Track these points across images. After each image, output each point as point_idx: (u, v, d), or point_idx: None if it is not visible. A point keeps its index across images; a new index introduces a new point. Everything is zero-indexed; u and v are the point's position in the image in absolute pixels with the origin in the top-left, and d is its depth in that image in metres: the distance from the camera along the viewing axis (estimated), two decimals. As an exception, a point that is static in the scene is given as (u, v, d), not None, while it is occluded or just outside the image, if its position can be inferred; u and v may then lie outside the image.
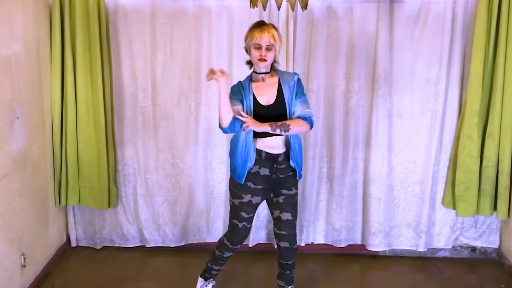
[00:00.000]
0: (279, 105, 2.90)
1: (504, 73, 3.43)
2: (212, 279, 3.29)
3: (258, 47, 2.83)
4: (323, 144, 3.82)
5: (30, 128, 3.33)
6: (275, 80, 2.95)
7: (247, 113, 2.85)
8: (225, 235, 3.14)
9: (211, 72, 2.73)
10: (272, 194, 3.02)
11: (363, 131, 3.78)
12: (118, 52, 3.71)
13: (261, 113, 2.87)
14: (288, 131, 2.84)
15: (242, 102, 2.88)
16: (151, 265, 3.80)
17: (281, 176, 2.98)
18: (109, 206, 3.82)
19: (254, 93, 2.90)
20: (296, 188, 3.06)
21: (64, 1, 3.52)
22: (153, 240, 3.99)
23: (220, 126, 2.84)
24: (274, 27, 2.90)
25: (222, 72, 2.72)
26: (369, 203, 3.85)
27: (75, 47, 3.56)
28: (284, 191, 3.01)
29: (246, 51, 2.93)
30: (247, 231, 3.07)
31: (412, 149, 3.79)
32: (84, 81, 3.60)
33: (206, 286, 3.29)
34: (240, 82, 2.97)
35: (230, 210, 3.06)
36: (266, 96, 2.91)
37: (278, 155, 2.94)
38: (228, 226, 3.11)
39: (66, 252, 3.94)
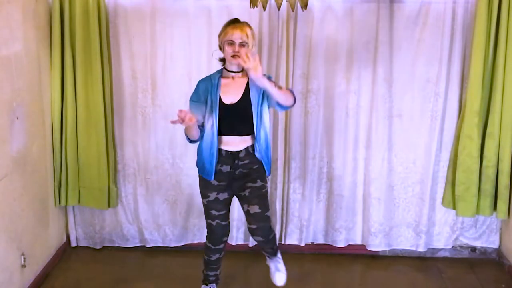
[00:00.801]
0: (243, 105, 2.90)
1: (504, 73, 3.43)
2: (213, 284, 3.29)
3: (231, 43, 2.84)
4: (323, 144, 3.82)
5: (30, 128, 3.33)
6: (244, 80, 2.94)
7: (212, 111, 2.88)
8: (206, 238, 3.17)
9: (180, 115, 2.66)
10: (238, 189, 3.02)
11: (363, 131, 3.78)
12: (118, 52, 3.71)
13: (223, 113, 2.88)
14: (279, 88, 2.80)
15: (206, 102, 2.91)
16: (151, 265, 3.80)
17: (245, 170, 2.99)
18: (109, 206, 3.82)
19: (221, 91, 2.90)
20: (263, 181, 3.02)
21: (64, 1, 3.52)
22: (153, 240, 3.99)
23: (191, 141, 2.98)
24: (248, 25, 2.91)
25: (190, 119, 2.68)
26: (369, 203, 3.85)
27: (75, 47, 3.56)
28: (249, 184, 2.99)
29: (220, 48, 2.94)
30: (222, 228, 3.09)
31: (412, 149, 3.79)
32: (84, 81, 3.60)
33: None
34: (209, 78, 2.97)
35: (204, 212, 3.10)
36: (231, 95, 2.90)
37: (238, 152, 2.95)
38: (206, 228, 3.14)
39: (66, 252, 3.94)
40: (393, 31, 3.62)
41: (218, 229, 3.08)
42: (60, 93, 3.63)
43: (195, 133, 2.90)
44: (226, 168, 2.96)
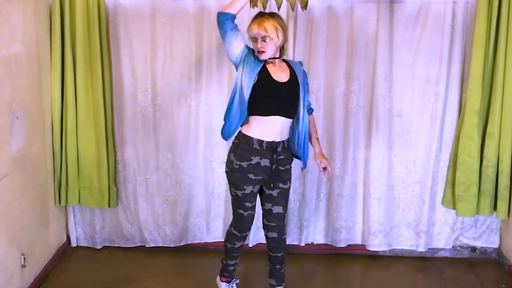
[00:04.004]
0: (293, 84, 2.93)
1: (504, 73, 3.43)
2: (234, 279, 3.30)
3: (255, 40, 2.86)
4: (323, 144, 3.80)
5: (30, 128, 3.33)
6: (285, 65, 2.99)
7: (247, 84, 2.84)
8: (231, 226, 3.14)
9: None
10: (267, 186, 3.02)
11: (363, 131, 3.78)
12: (118, 52, 3.71)
13: (270, 89, 2.86)
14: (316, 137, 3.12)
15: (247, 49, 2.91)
16: (151, 265, 3.80)
17: (281, 168, 2.99)
18: (109, 206, 3.82)
19: (269, 70, 2.89)
20: (291, 182, 3.10)
21: (64, 1, 3.52)
22: (153, 240, 3.99)
23: (224, 14, 2.84)
24: (271, 17, 2.89)
25: None
26: (369, 203, 3.85)
27: (75, 47, 3.56)
28: (280, 185, 3.03)
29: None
30: (252, 218, 3.10)
31: (412, 149, 3.79)
32: (84, 81, 3.60)
33: (232, 287, 3.30)
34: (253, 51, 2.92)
35: (233, 200, 3.06)
36: (279, 75, 2.90)
37: (278, 144, 2.93)
38: (233, 215, 3.10)
39: (66, 252, 3.94)
40: (393, 31, 3.62)
41: (248, 218, 3.06)
42: (60, 93, 3.63)
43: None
44: (265, 162, 2.93)
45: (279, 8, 2.95)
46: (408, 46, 3.65)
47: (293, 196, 3.87)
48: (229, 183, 3.05)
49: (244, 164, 2.92)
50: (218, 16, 2.86)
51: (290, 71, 2.96)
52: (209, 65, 3.70)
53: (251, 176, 2.94)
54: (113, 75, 3.72)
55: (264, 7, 2.95)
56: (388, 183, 3.84)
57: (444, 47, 3.60)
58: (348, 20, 3.62)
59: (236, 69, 2.94)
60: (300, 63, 3.10)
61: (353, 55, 3.66)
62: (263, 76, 2.86)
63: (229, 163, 3.00)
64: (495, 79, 3.47)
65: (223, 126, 2.96)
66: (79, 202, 3.81)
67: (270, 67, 2.90)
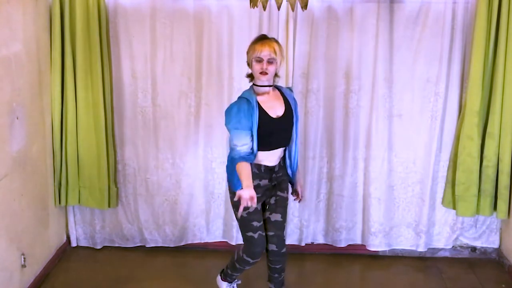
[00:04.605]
0: (288, 117, 2.94)
1: (504, 73, 3.43)
2: (236, 280, 3.30)
3: (260, 60, 2.82)
4: (323, 144, 3.82)
5: (30, 128, 3.33)
6: (278, 93, 2.98)
7: (251, 130, 2.83)
8: (243, 252, 3.03)
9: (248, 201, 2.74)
10: (266, 197, 3.06)
11: (363, 131, 3.77)
12: (118, 52, 3.71)
13: (271, 128, 2.87)
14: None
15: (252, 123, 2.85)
16: (151, 265, 3.80)
17: (278, 182, 3.05)
18: (109, 206, 3.81)
19: (263, 107, 2.87)
20: (288, 192, 3.12)
21: (64, 1, 3.52)
22: (153, 240, 3.99)
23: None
24: (276, 41, 2.90)
25: (252, 198, 2.74)
26: (369, 203, 3.85)
27: (75, 47, 3.56)
28: (278, 193, 3.06)
29: (248, 65, 2.91)
30: (264, 240, 3.01)
31: (412, 149, 3.79)
32: (84, 81, 3.60)
33: (233, 287, 3.30)
34: (246, 100, 2.85)
35: (241, 224, 3.01)
36: (275, 109, 2.90)
37: (275, 166, 2.99)
38: (244, 242, 3.04)
39: (66, 252, 3.94)
40: (393, 31, 3.62)
41: (260, 240, 2.98)
42: (60, 93, 3.63)
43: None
44: (264, 182, 2.97)
45: (279, 8, 2.94)
46: (408, 46, 3.65)
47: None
48: (233, 208, 3.03)
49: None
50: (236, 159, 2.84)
51: (283, 100, 2.96)
52: (209, 65, 3.70)
53: None
54: (113, 75, 3.72)
55: (264, 7, 2.94)
56: (388, 183, 3.84)
57: (444, 47, 3.60)
58: (348, 20, 3.62)
59: None
60: (290, 89, 3.12)
61: (353, 55, 3.66)
62: (261, 116, 2.85)
63: (229, 186, 3.03)
64: (495, 79, 3.47)
65: (231, 179, 2.94)
66: (79, 202, 3.81)
67: (263, 102, 2.88)
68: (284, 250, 3.08)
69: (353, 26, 3.63)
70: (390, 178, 3.84)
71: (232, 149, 2.84)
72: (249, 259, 3.02)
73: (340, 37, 3.65)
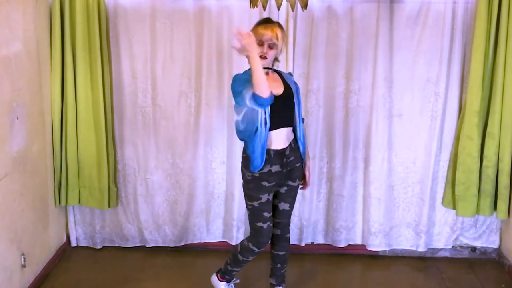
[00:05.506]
0: (288, 96, 2.93)
1: (504, 73, 3.43)
2: (234, 279, 3.30)
3: (261, 44, 2.81)
4: (323, 144, 3.82)
5: (30, 128, 3.33)
6: (277, 76, 2.99)
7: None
8: (249, 240, 3.05)
9: (241, 35, 2.54)
10: (278, 185, 3.03)
11: (363, 131, 3.78)
12: (118, 52, 3.71)
13: (275, 105, 2.81)
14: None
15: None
16: (151, 265, 3.80)
17: (290, 168, 3.00)
18: (109, 206, 3.82)
19: None
20: (300, 180, 3.11)
21: (64, 1, 3.52)
22: (153, 240, 3.99)
23: (260, 98, 2.65)
24: (279, 25, 2.89)
25: (249, 35, 2.57)
26: (369, 203, 3.85)
27: (75, 47, 3.56)
28: (290, 182, 3.04)
29: None
30: (271, 232, 3.04)
31: (412, 149, 3.79)
32: (84, 81, 3.60)
33: (231, 286, 3.30)
34: (246, 73, 2.83)
35: (250, 214, 3.01)
36: (273, 88, 2.84)
37: (284, 150, 2.94)
38: (251, 230, 3.04)
39: (66, 252, 3.94)
40: (393, 31, 3.62)
41: (268, 231, 3.00)
42: (60, 93, 3.63)
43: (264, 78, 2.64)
44: (276, 168, 2.92)
45: (279, 8, 2.95)
46: (408, 46, 3.65)
47: (293, 196, 3.88)
48: (245, 197, 3.02)
49: (256, 173, 2.91)
50: (259, 99, 2.67)
51: (282, 81, 2.97)
52: (209, 65, 3.70)
53: (265, 183, 2.93)
54: (113, 75, 3.72)
55: (264, 7, 2.95)
56: (388, 183, 3.84)
57: (444, 47, 3.60)
58: (348, 20, 3.62)
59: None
60: (290, 73, 3.13)
61: (353, 55, 3.66)
62: None
63: (242, 175, 3.01)
64: (495, 79, 3.47)
65: (252, 162, 2.88)
66: (79, 202, 3.81)
67: None
68: (288, 235, 3.14)
69: (353, 26, 3.63)
70: (390, 178, 3.84)
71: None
72: (254, 248, 3.02)
73: (340, 37, 3.65)
